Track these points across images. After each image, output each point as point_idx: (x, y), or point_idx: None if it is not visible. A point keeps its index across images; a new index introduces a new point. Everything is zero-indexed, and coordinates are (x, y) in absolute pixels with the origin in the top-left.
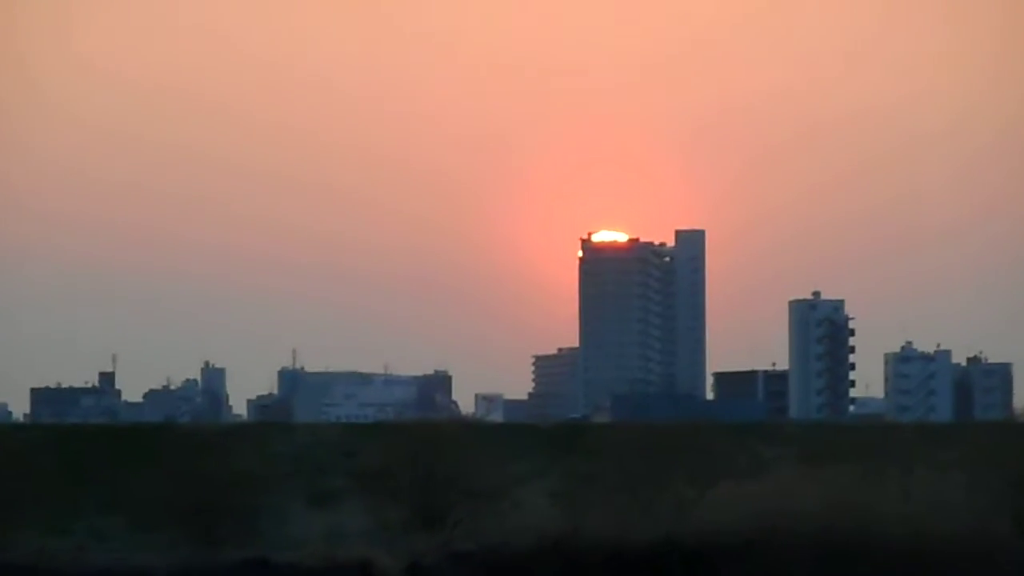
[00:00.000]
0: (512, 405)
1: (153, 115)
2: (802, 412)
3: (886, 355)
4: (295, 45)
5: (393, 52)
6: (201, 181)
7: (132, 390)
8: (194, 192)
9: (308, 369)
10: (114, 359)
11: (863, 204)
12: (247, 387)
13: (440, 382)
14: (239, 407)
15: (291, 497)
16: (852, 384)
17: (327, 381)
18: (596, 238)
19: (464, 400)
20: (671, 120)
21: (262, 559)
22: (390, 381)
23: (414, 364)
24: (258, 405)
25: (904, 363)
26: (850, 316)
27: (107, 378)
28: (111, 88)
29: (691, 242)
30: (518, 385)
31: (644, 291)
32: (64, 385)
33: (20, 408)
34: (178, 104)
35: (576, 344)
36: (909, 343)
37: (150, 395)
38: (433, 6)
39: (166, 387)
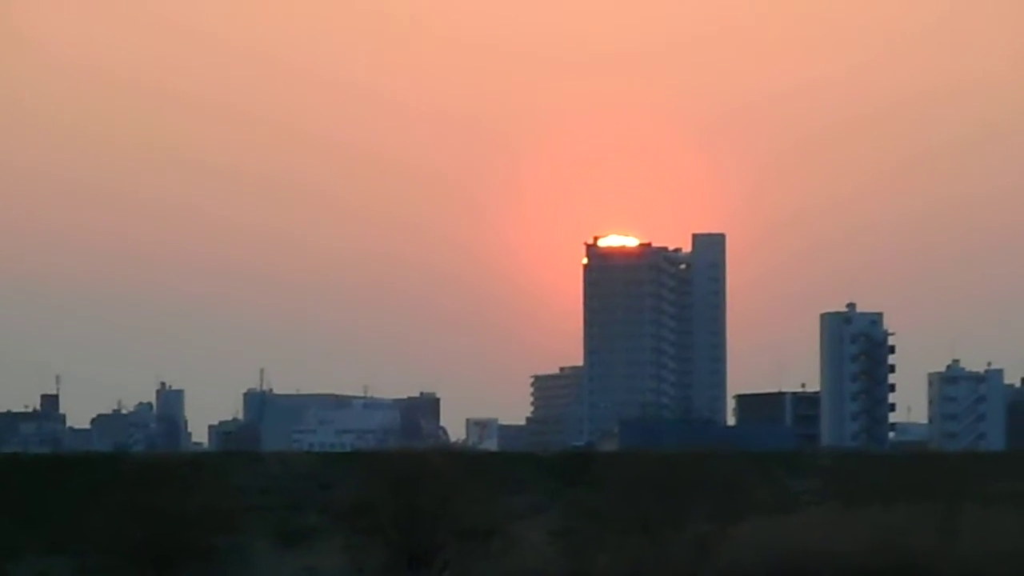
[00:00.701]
0: (508, 431)
1: (104, 109)
2: (835, 439)
3: (930, 375)
4: (273, 34)
5: (374, 36)
6: (158, 180)
7: (78, 415)
8: (149, 192)
9: (277, 391)
10: (58, 380)
11: (904, 206)
12: (208, 412)
13: (426, 406)
14: (199, 434)
15: (259, 535)
16: (892, 408)
17: (299, 405)
18: (603, 243)
19: (454, 426)
20: (688, 111)
21: None
22: (370, 405)
23: (397, 386)
24: (221, 432)
25: (950, 384)
26: (889, 331)
27: (50, 401)
28: (64, 81)
29: (710, 247)
30: (514, 409)
31: (657, 303)
32: (1, 409)
33: None
34: (133, 98)
35: (580, 363)
36: (956, 362)
37: (99, 420)
38: None
39: (117, 411)
